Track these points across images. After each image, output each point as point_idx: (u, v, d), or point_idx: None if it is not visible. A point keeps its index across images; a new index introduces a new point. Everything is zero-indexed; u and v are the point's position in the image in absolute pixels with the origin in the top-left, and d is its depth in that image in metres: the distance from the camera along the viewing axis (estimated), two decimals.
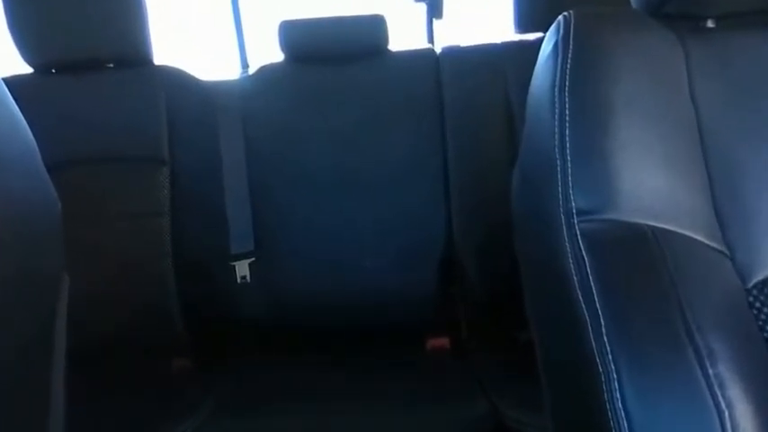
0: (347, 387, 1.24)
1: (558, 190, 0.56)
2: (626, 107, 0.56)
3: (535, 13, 1.35)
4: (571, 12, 0.59)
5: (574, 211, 0.55)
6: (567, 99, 0.56)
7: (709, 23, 0.62)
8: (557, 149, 0.56)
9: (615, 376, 0.49)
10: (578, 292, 0.53)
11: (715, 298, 0.52)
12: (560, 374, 0.63)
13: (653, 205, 0.54)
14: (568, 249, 0.54)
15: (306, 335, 1.37)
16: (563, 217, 0.55)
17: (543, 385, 0.67)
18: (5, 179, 0.59)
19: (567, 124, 0.56)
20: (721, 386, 0.47)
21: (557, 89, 0.57)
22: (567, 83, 0.57)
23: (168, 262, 1.31)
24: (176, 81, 1.37)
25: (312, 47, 1.44)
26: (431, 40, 1.71)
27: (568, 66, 0.57)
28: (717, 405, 0.47)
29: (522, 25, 1.38)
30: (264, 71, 1.45)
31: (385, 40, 1.44)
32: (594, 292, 0.52)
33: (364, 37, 1.44)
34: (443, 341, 1.41)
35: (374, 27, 1.44)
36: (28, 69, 1.33)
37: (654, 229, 0.54)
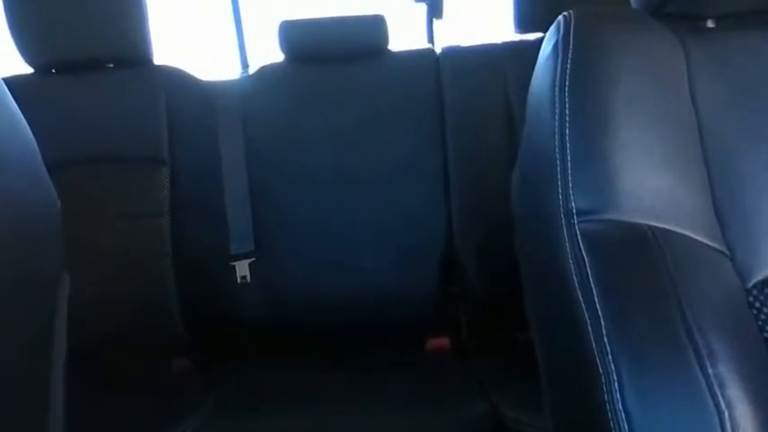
0: (347, 387, 1.24)
1: (558, 190, 0.56)
2: (626, 107, 0.56)
3: (535, 13, 1.35)
4: (571, 12, 0.59)
5: (574, 211, 0.55)
6: (567, 99, 0.56)
7: (710, 23, 0.62)
8: (557, 149, 0.56)
9: (615, 377, 0.49)
10: (578, 292, 0.53)
11: (715, 298, 0.52)
12: (560, 374, 0.63)
13: (653, 205, 0.54)
14: (568, 249, 0.54)
15: (306, 335, 1.37)
16: (563, 217, 0.55)
17: (543, 385, 0.67)
18: (5, 179, 0.59)
19: (567, 124, 0.56)
20: (721, 386, 0.47)
21: (557, 89, 0.57)
22: (567, 83, 0.57)
23: (168, 262, 1.31)
24: (176, 81, 1.37)
25: (312, 47, 1.44)
26: (431, 40, 1.70)
27: (568, 66, 0.57)
28: (717, 405, 0.47)
29: (522, 25, 1.38)
30: (264, 71, 1.45)
31: (385, 40, 1.44)
32: (594, 292, 0.52)
33: (364, 37, 1.44)
34: (443, 341, 1.41)
35: (374, 27, 1.44)
36: (28, 69, 1.33)
37: (654, 229, 0.54)
